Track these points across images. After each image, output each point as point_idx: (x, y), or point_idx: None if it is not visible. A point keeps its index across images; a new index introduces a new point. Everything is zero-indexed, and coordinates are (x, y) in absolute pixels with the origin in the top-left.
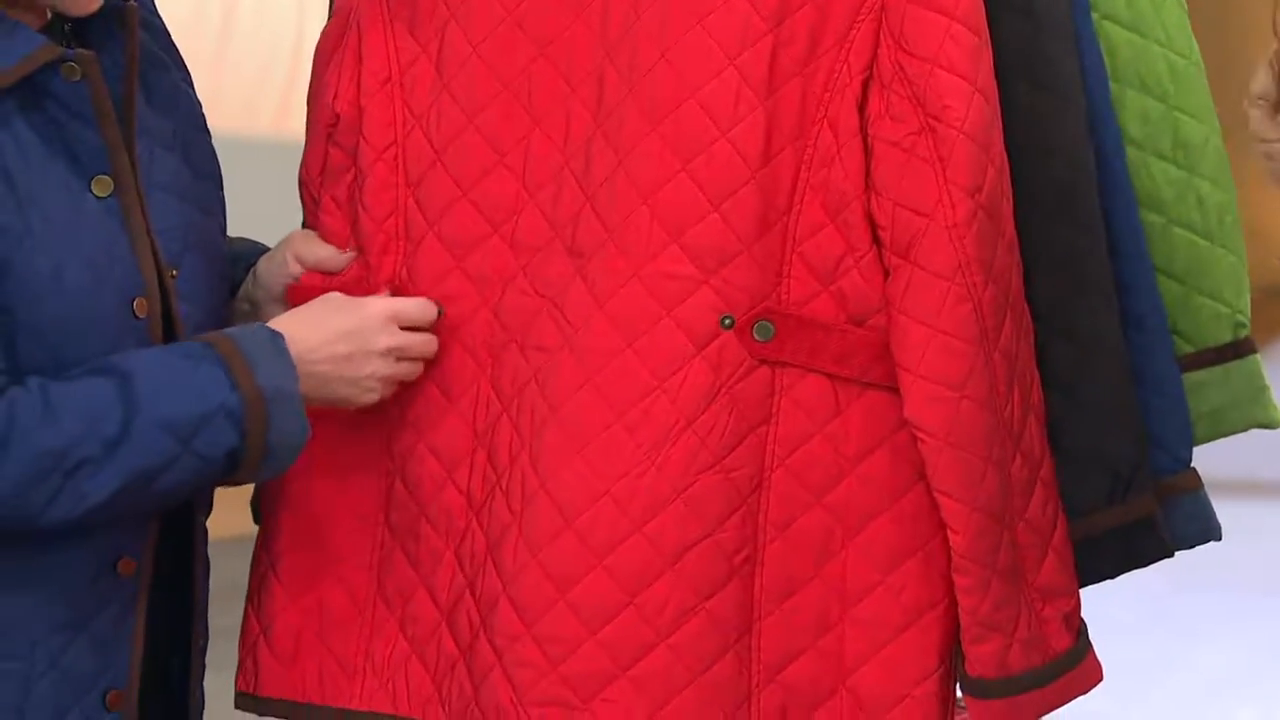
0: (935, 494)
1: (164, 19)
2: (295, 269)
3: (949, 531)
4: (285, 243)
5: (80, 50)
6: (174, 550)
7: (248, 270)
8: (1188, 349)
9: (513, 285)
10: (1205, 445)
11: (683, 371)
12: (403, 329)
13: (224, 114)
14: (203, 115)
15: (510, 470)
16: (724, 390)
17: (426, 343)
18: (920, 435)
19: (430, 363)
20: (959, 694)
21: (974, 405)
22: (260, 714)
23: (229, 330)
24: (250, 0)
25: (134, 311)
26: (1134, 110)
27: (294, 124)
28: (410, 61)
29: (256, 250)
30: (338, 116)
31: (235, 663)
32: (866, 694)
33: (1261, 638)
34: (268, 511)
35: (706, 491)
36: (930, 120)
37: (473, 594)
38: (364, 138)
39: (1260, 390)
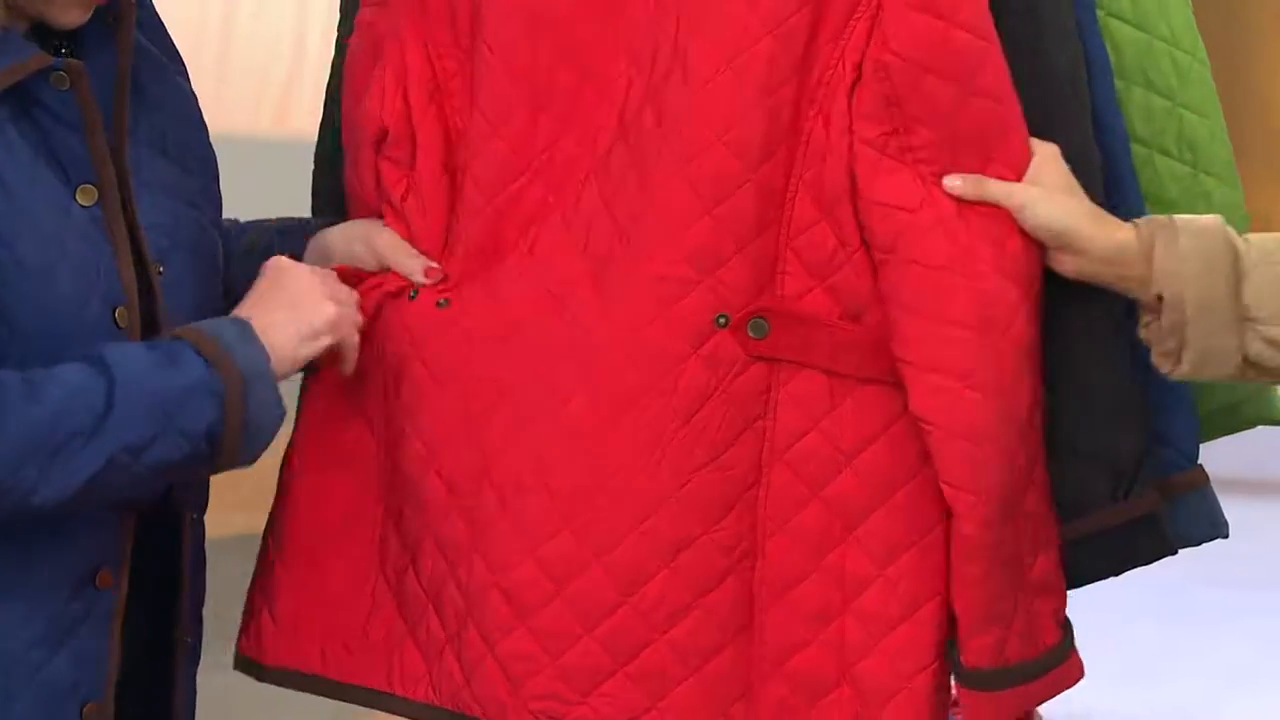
0: (943, 485)
1: (165, 19)
2: (371, 262)
3: (957, 521)
4: (368, 232)
5: (69, 60)
6: (162, 549)
7: (281, 235)
8: None
9: (523, 281)
10: (1211, 442)
11: (677, 371)
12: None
13: (225, 113)
14: (197, 109)
15: (502, 462)
16: (720, 388)
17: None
18: (926, 427)
19: (425, 348)
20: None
21: (979, 395)
22: (260, 679)
23: (195, 324)
24: (250, 1)
25: (116, 321)
26: (1139, 107)
27: (295, 123)
28: (453, 73)
29: (291, 225)
30: (385, 130)
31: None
32: (868, 685)
33: (1267, 632)
34: (278, 490)
35: (703, 489)
36: (911, 122)
37: (455, 582)
38: (418, 162)
39: (1267, 387)
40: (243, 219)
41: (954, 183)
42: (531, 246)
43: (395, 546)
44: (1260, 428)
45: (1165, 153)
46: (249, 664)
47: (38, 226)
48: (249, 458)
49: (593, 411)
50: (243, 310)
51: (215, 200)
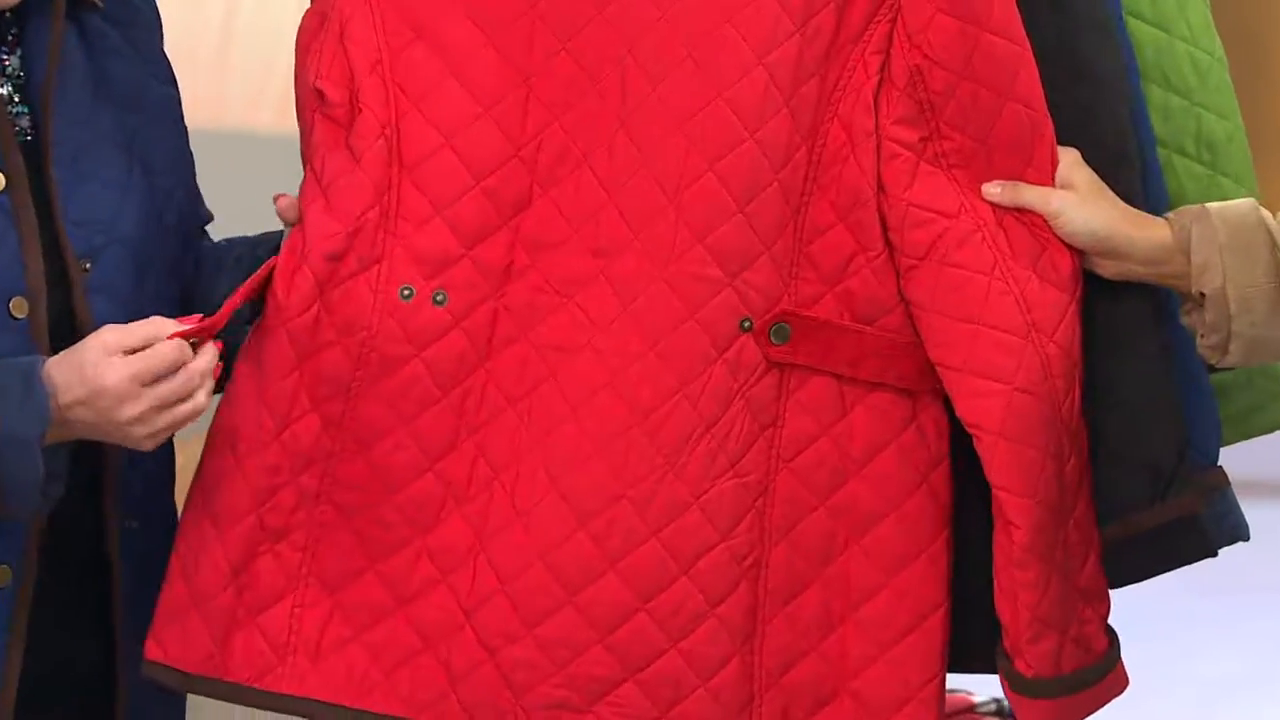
0: (995, 490)
1: (166, 14)
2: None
3: (1009, 527)
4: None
5: None
6: (94, 556)
7: (272, 251)
8: None
9: (524, 280)
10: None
11: (704, 375)
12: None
13: (227, 109)
14: (175, 111)
15: (515, 468)
16: (740, 394)
17: (176, 372)
18: (974, 431)
19: (425, 347)
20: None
21: (1027, 397)
22: (180, 689)
23: (2, 362)
24: None
25: (10, 310)
26: (1157, 107)
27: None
28: (403, 45)
29: (265, 236)
30: (321, 93)
31: None
32: (870, 696)
33: (1275, 638)
34: (199, 477)
35: (722, 496)
36: (946, 128)
37: (449, 587)
38: (359, 119)
39: None
40: (245, 214)
41: (992, 190)
42: (527, 238)
43: (349, 549)
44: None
45: (1183, 153)
46: (168, 672)
47: None
48: (23, 514)
49: (613, 414)
50: (55, 363)
51: (184, 204)
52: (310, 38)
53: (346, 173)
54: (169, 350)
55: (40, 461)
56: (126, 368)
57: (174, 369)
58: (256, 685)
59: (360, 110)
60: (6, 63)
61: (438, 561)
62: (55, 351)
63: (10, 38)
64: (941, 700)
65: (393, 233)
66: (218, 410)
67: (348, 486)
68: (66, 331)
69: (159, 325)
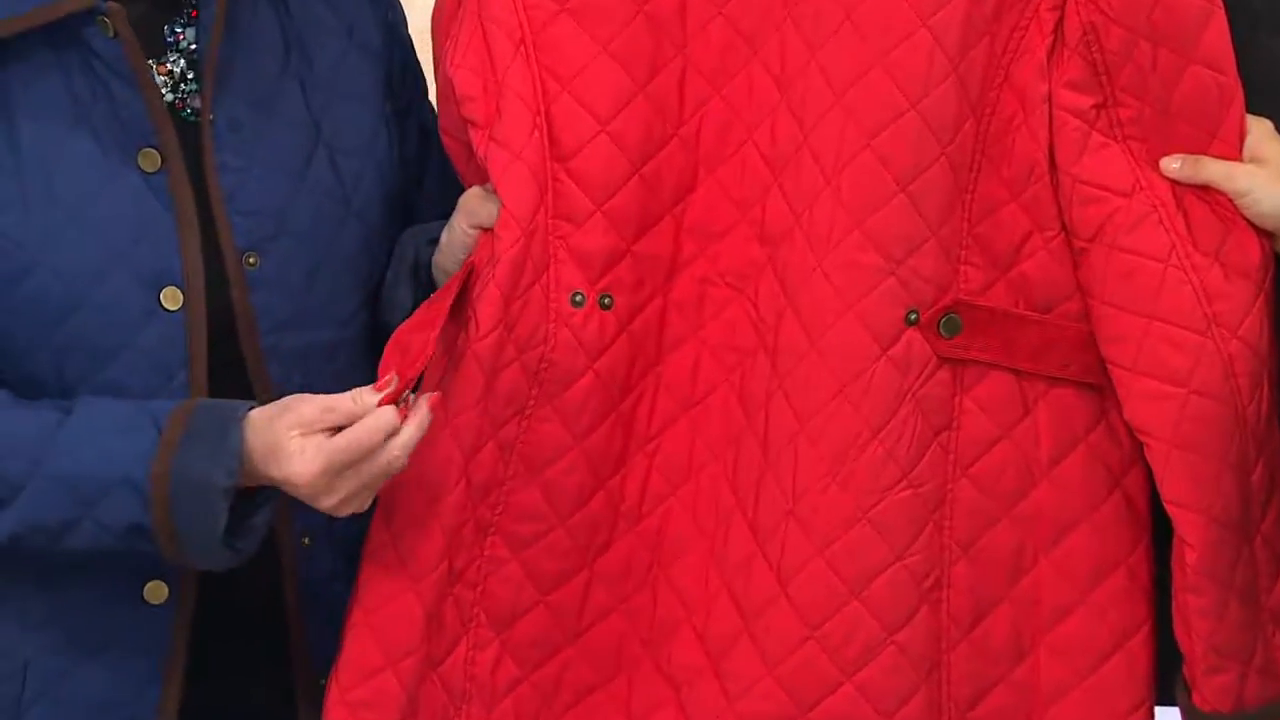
0: (1166, 504)
1: None
2: (472, 234)
3: (1183, 546)
4: (460, 208)
5: (111, 4)
6: (267, 578)
7: (431, 244)
8: None
9: (691, 272)
10: None
11: (867, 374)
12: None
13: None
14: (375, 87)
15: (693, 483)
16: (910, 394)
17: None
18: (1144, 439)
19: (598, 356)
20: None
21: (1205, 401)
22: None
23: (205, 401)
24: None
25: (161, 301)
26: None
27: None
28: (546, 21)
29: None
30: (451, 84)
31: None
32: None
33: None
34: (386, 521)
35: (894, 509)
36: (1121, 94)
37: (625, 615)
38: (507, 107)
39: None
40: None
41: (1172, 165)
42: (693, 226)
43: (519, 582)
44: None
45: None
46: None
47: (53, 189)
48: (209, 564)
49: (782, 421)
50: (254, 424)
51: (378, 187)
52: (448, 21)
53: (509, 170)
54: (367, 435)
55: (222, 513)
56: (319, 459)
57: (376, 445)
58: None
59: (505, 97)
60: (181, 37)
61: (612, 589)
62: (211, 349)
63: (189, 12)
64: None
65: (555, 233)
66: None
67: (519, 515)
68: (225, 329)
69: (362, 400)
